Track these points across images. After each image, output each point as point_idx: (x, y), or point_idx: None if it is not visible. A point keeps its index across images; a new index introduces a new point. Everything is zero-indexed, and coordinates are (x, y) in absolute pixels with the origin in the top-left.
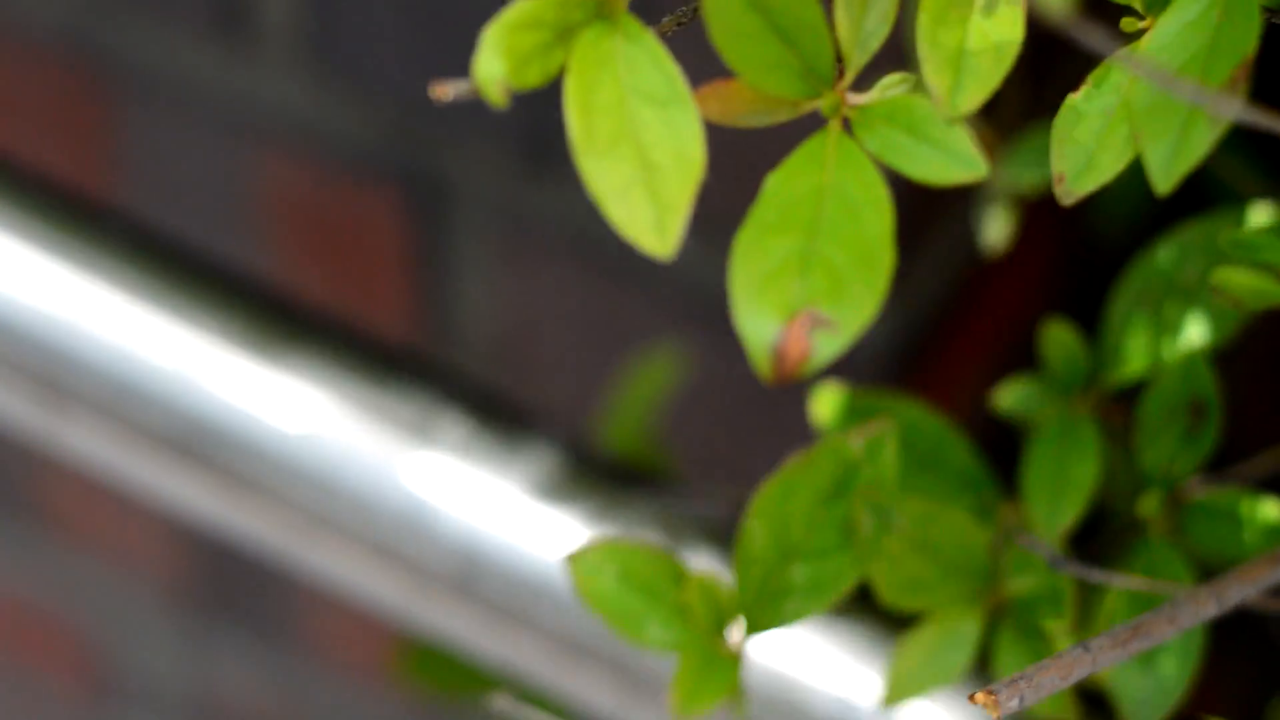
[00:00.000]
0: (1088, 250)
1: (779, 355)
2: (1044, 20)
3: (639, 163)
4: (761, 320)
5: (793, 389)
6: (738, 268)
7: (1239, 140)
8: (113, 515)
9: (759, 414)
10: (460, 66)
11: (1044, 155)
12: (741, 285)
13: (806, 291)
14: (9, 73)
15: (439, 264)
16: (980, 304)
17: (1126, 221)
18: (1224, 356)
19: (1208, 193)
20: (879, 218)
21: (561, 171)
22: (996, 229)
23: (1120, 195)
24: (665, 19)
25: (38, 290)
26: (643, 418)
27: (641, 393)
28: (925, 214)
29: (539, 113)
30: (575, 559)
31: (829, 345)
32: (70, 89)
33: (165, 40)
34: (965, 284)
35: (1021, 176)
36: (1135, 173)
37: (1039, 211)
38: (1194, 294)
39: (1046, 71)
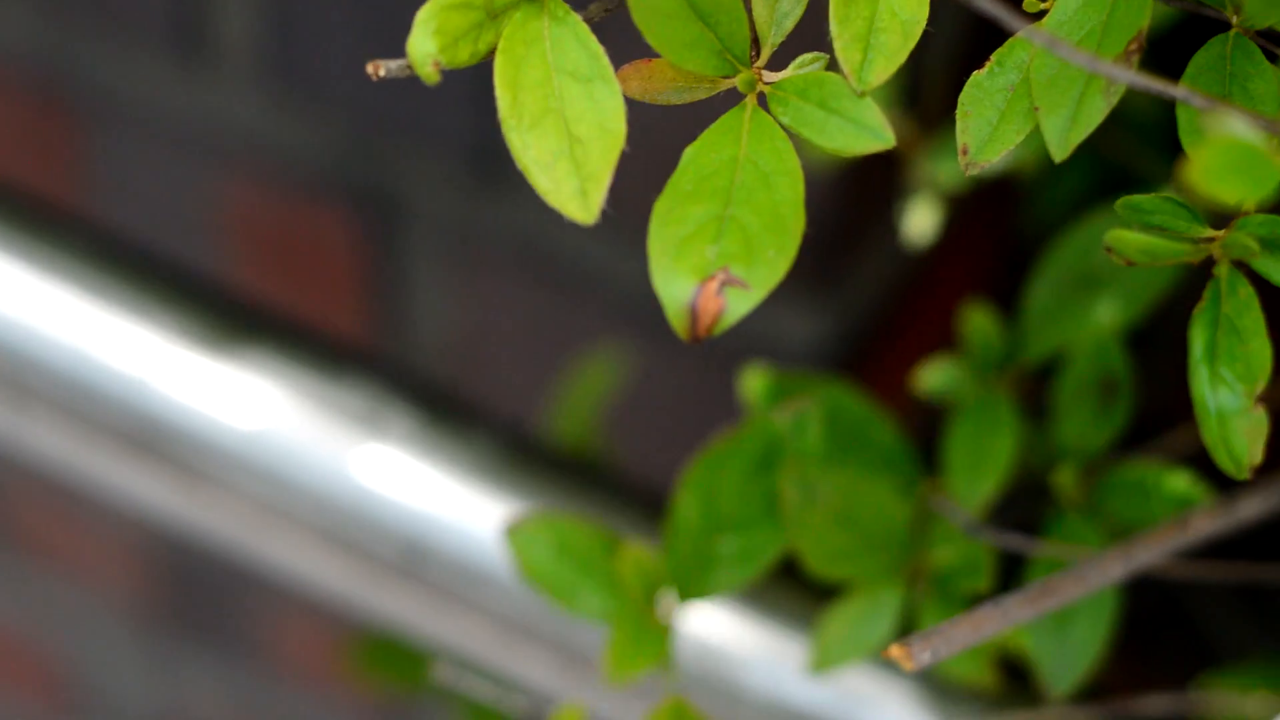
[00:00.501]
0: (1021, 251)
1: (694, 314)
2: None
3: (564, 136)
4: (678, 281)
5: (730, 385)
6: (655, 233)
7: (1163, 140)
8: (77, 536)
9: (697, 410)
10: (414, 85)
11: None
12: (658, 249)
13: (720, 254)
14: None
15: (392, 276)
16: (918, 307)
17: (1056, 221)
18: (1145, 336)
19: (1133, 191)
20: (791, 186)
21: (509, 186)
22: (920, 222)
23: (1049, 196)
24: (593, 5)
25: None
26: (587, 415)
27: (585, 392)
28: (864, 219)
29: (487, 130)
30: (513, 532)
31: (741, 304)
32: (34, 110)
33: (127, 61)
34: (904, 287)
35: (944, 170)
36: (1063, 175)
37: (973, 215)
38: (1105, 278)
39: (970, 70)
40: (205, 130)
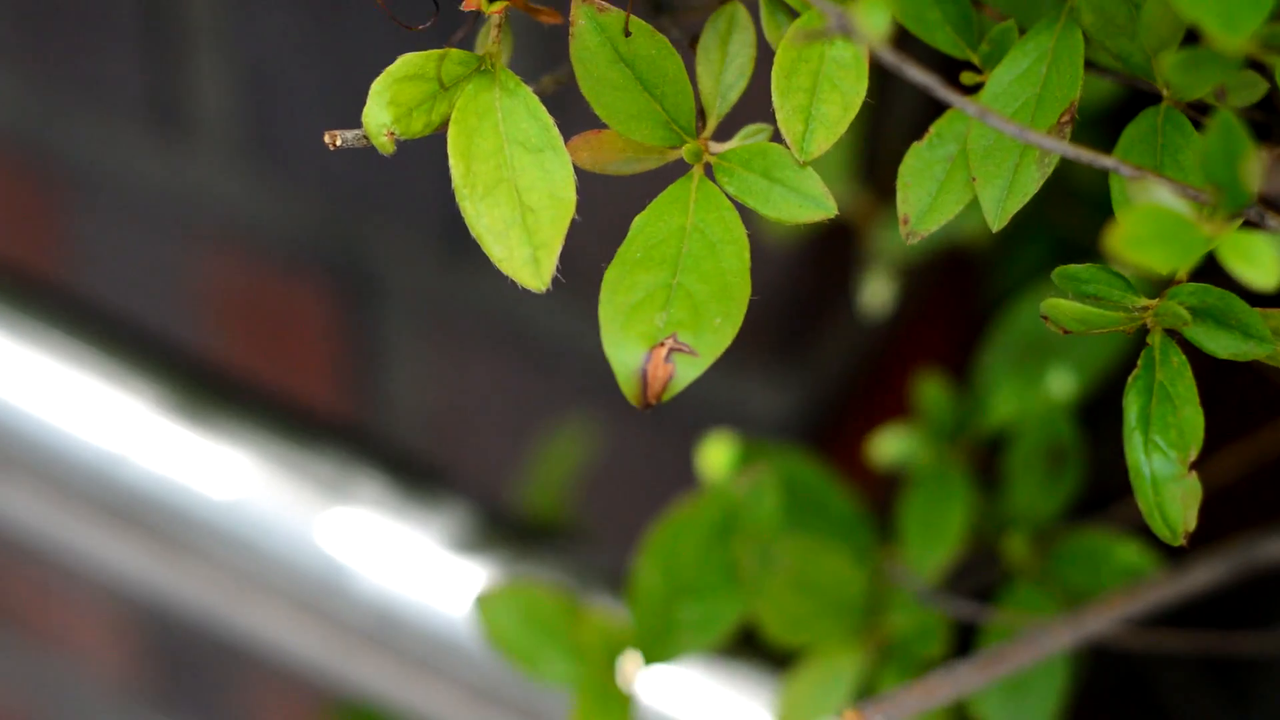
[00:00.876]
0: (987, 323)
1: (644, 380)
2: (886, 69)
3: (516, 205)
4: (628, 348)
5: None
6: (605, 301)
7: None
8: (63, 611)
9: (668, 480)
10: (387, 160)
11: None
12: (609, 317)
13: (669, 321)
14: None
15: (367, 348)
16: (888, 378)
17: (1017, 293)
18: (1099, 405)
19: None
20: (737, 254)
21: (481, 260)
22: (876, 294)
23: (1010, 268)
24: (544, 77)
25: None
26: (558, 484)
27: (557, 462)
28: (831, 291)
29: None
30: (482, 601)
31: (690, 370)
32: (13, 183)
33: (106, 136)
34: (873, 359)
35: (896, 241)
36: (1023, 247)
37: (941, 287)
38: (1055, 347)
39: None
40: (183, 204)
